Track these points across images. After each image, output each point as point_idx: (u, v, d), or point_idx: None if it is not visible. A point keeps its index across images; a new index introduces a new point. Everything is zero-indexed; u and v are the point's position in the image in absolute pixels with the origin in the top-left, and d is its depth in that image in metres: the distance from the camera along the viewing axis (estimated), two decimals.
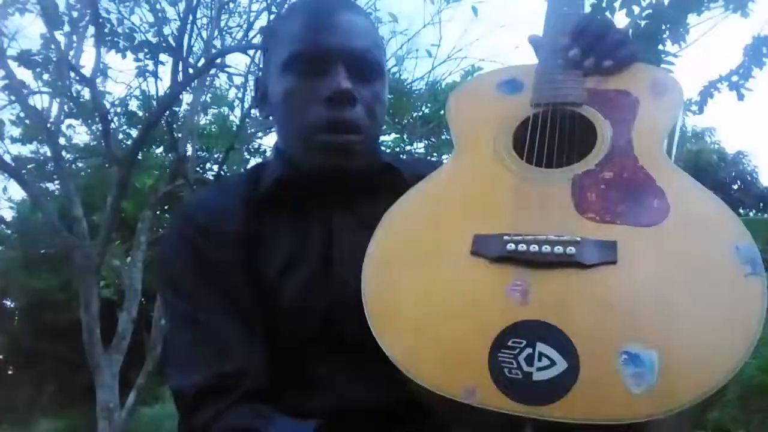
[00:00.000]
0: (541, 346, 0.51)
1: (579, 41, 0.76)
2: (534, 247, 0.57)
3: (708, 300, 0.53)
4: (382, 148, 0.87)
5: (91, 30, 4.80)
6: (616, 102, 0.73)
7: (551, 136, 0.70)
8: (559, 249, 0.56)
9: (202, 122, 8.45)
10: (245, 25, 5.51)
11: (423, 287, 0.60)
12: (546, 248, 0.57)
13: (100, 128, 5.10)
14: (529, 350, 0.51)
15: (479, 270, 0.58)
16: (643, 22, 2.51)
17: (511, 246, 0.58)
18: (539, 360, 0.51)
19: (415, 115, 8.84)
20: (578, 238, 0.57)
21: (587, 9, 2.02)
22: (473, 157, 0.74)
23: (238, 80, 5.93)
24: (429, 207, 0.70)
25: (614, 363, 0.49)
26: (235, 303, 0.70)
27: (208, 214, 0.75)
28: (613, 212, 0.60)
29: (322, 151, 0.71)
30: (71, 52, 5.42)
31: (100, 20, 4.52)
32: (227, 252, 0.72)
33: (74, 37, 5.42)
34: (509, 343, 0.52)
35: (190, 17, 4.94)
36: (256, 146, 7.91)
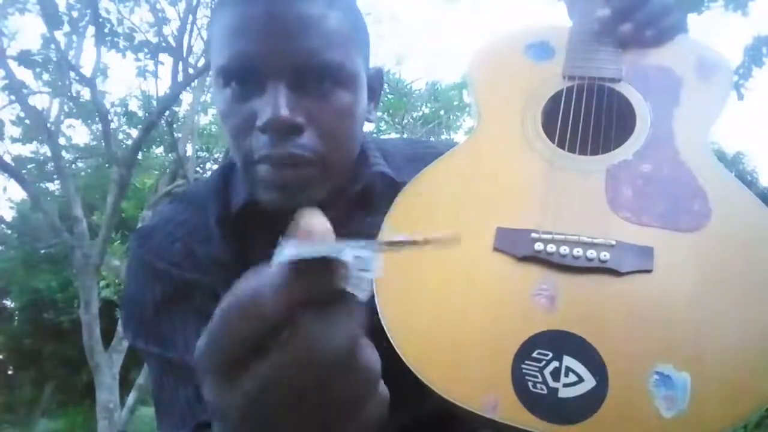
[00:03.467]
0: (568, 360, 0.47)
1: (617, 4, 0.68)
2: (564, 249, 0.52)
3: (747, 319, 0.48)
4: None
5: (91, 30, 4.80)
6: (658, 80, 0.66)
7: (585, 116, 0.64)
8: (591, 253, 0.52)
9: (202, 122, 8.46)
10: None
11: (439, 285, 0.54)
12: (578, 251, 0.52)
13: (100, 128, 5.10)
14: (555, 363, 0.47)
15: (502, 269, 0.53)
16: None
17: (539, 245, 0.53)
18: (566, 375, 0.47)
19: (415, 115, 8.85)
20: (613, 242, 0.52)
21: None
22: (497, 134, 0.65)
23: None
24: (445, 192, 0.61)
25: (645, 384, 0.46)
26: None
27: (175, 237, 0.65)
28: (650, 212, 0.54)
29: (266, 187, 0.58)
30: (71, 52, 5.42)
31: (100, 20, 4.52)
32: (203, 279, 0.62)
33: (74, 37, 5.42)
34: (534, 354, 0.48)
35: (190, 17, 4.95)
36: None
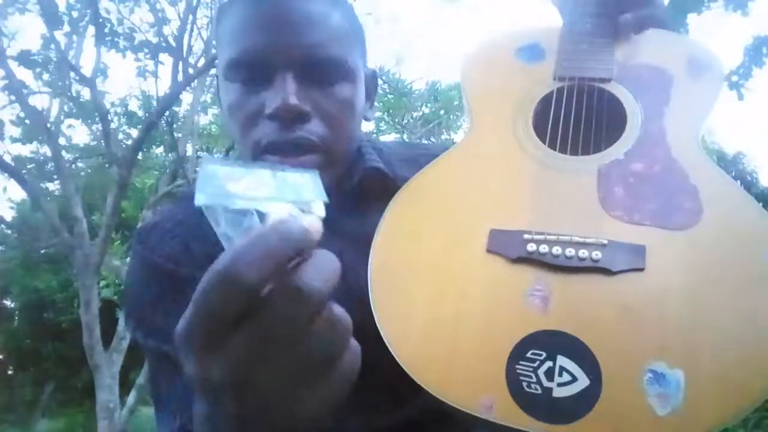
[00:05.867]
0: (561, 360, 0.48)
1: None
2: (557, 249, 0.53)
3: (740, 317, 0.48)
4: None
5: (91, 30, 4.80)
6: (649, 80, 0.66)
7: (576, 117, 0.64)
8: (584, 253, 0.52)
9: (202, 122, 8.47)
10: None
11: (434, 287, 0.55)
12: (570, 251, 0.52)
13: (100, 128, 5.10)
14: (549, 363, 0.48)
15: (496, 271, 0.54)
16: None
17: (531, 246, 0.53)
18: (560, 375, 0.47)
19: (415, 115, 8.86)
20: (605, 241, 0.52)
21: None
22: (489, 137, 0.66)
23: None
24: (439, 195, 0.62)
25: (639, 382, 0.46)
26: None
27: (173, 234, 0.67)
28: (642, 211, 0.55)
29: None
30: (71, 52, 5.42)
31: (100, 20, 4.52)
32: (199, 275, 0.62)
33: (74, 37, 5.42)
34: (528, 355, 0.48)
35: (190, 17, 4.96)
36: None
